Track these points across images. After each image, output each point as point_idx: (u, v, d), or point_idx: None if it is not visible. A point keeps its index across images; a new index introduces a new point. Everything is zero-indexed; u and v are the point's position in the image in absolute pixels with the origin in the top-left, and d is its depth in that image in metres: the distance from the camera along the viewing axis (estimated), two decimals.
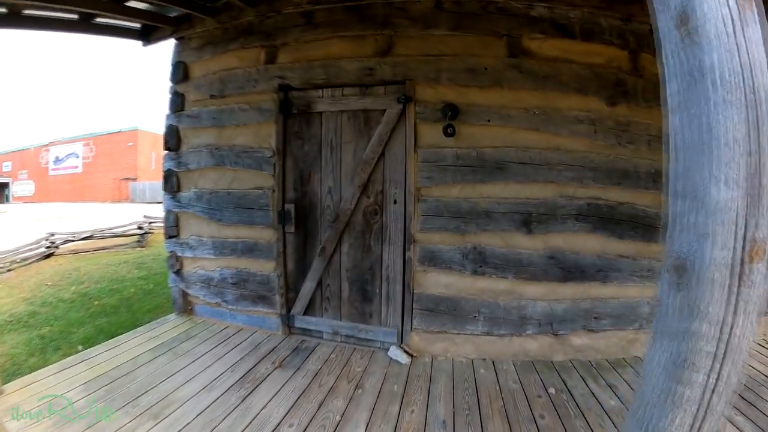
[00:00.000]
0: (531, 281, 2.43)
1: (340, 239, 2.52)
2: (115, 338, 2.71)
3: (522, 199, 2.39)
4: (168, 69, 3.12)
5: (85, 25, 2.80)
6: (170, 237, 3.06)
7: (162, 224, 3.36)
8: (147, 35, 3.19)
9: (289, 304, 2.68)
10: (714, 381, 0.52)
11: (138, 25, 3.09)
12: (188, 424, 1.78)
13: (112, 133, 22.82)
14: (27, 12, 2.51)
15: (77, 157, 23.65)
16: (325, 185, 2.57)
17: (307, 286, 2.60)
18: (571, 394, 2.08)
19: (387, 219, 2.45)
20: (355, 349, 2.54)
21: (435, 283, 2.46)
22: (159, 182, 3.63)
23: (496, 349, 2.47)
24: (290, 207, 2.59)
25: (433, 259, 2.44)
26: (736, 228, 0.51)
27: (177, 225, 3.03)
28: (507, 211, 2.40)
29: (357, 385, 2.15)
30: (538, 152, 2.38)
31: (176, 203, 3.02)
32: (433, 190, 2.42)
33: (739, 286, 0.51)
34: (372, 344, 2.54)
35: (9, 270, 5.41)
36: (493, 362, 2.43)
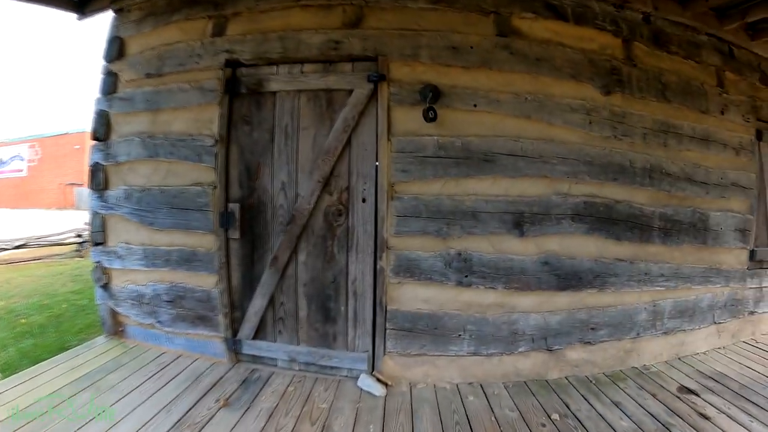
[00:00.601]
0: (523, 291, 1.73)
1: (296, 247, 1.70)
2: (34, 366, 1.86)
3: (513, 197, 1.69)
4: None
5: None
6: (96, 244, 2.11)
7: None
8: (82, 6, 2.21)
9: (235, 325, 1.79)
10: None
11: None
12: None
13: (59, 135, 18.39)
14: None
15: (22, 159, 18.87)
16: (278, 180, 1.80)
17: (257, 305, 1.74)
18: (577, 418, 1.53)
19: (354, 221, 1.66)
20: (317, 379, 1.72)
21: (413, 297, 1.68)
22: None
23: (484, 370, 1.73)
24: (234, 207, 1.74)
25: (410, 269, 1.67)
26: None
27: (104, 230, 2.08)
28: (496, 211, 1.68)
29: (323, 428, 1.44)
30: (530, 143, 1.70)
31: (103, 204, 2.07)
32: (409, 186, 1.73)
33: None
34: (337, 372, 1.72)
35: None
36: (481, 386, 1.79)
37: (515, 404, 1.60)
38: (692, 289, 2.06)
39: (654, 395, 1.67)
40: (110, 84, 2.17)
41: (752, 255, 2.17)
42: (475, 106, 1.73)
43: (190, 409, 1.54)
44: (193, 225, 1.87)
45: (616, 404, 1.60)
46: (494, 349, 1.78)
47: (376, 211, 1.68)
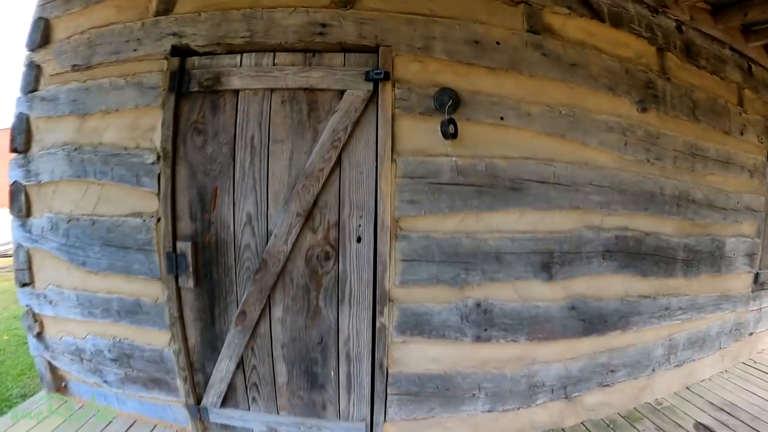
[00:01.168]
0: (547, 341, 1.29)
1: (269, 300, 1.13)
2: None
3: (542, 234, 1.19)
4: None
5: None
6: (23, 285, 1.40)
7: None
8: None
9: (198, 390, 1.20)
10: None
11: None
12: None
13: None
14: None
15: None
16: (242, 212, 1.15)
17: (223, 368, 1.15)
18: None
19: (346, 267, 1.10)
20: None
21: (420, 357, 1.17)
22: None
23: (498, 427, 1.30)
24: (185, 247, 1.11)
25: (418, 326, 1.15)
26: None
27: (30, 268, 1.36)
28: (523, 251, 1.17)
29: None
30: (564, 167, 1.19)
31: (26, 235, 1.37)
32: (419, 221, 1.16)
33: None
34: None
35: None
36: None
37: None
38: (704, 318, 1.67)
39: None
40: (32, 79, 1.39)
41: (756, 278, 1.83)
42: (502, 119, 1.15)
43: None
44: (135, 269, 1.19)
45: None
46: (511, 404, 1.30)
47: (375, 254, 1.10)
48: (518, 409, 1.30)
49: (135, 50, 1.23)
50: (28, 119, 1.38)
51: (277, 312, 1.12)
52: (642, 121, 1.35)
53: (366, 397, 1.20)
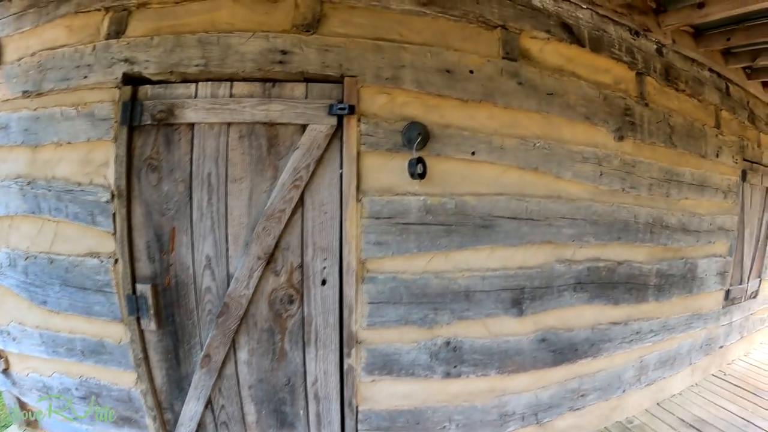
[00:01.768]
0: (517, 373, 1.19)
1: (233, 343, 1.02)
2: None
3: (513, 270, 1.08)
4: None
5: None
6: None
7: None
8: None
9: (168, 428, 1.11)
10: None
11: None
12: None
13: None
14: None
15: None
16: (201, 254, 1.02)
17: (191, 409, 1.05)
18: None
19: (311, 310, 1.00)
20: None
21: (390, 394, 1.08)
22: None
23: None
24: (145, 289, 0.98)
25: (387, 365, 1.05)
26: None
27: None
28: (493, 289, 1.06)
29: None
30: (536, 202, 1.07)
31: None
32: (386, 262, 1.03)
33: None
34: None
35: None
36: None
37: None
38: (676, 338, 1.58)
39: None
40: None
41: (727, 294, 1.74)
42: (473, 154, 1.00)
43: None
44: (95, 310, 1.05)
45: None
46: None
47: (341, 297, 0.97)
48: None
49: (86, 77, 1.04)
50: None
51: (243, 355, 1.00)
52: (618, 150, 1.22)
53: None
